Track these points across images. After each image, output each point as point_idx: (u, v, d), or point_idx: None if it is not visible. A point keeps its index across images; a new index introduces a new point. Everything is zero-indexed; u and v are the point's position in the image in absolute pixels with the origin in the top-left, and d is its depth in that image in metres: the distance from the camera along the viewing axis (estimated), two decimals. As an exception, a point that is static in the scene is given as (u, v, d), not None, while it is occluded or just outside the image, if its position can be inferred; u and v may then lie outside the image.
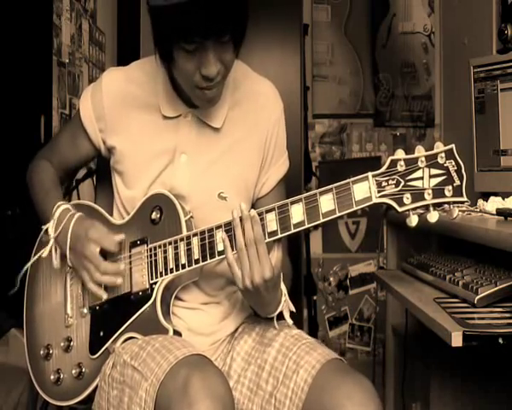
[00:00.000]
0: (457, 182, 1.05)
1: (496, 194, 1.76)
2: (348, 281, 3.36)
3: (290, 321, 1.27)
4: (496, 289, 1.27)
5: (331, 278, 3.36)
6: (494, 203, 1.61)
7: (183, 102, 1.31)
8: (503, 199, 1.62)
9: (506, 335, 1.09)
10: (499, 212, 1.49)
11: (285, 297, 1.24)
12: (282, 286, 1.24)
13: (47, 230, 1.32)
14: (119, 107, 1.33)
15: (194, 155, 1.31)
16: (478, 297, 1.26)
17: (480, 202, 1.67)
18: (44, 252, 1.33)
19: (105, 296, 1.28)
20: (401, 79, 3.35)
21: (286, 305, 1.25)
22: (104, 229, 1.29)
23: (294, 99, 2.90)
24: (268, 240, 1.14)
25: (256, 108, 1.35)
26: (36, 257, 1.38)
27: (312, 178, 3.27)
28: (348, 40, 3.36)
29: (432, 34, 3.34)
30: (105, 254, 1.32)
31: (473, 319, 1.19)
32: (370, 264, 3.33)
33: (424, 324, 1.28)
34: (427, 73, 3.35)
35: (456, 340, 1.10)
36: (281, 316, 1.32)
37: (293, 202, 1.12)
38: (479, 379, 1.70)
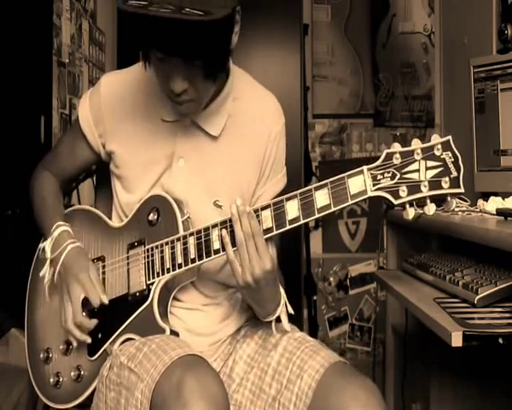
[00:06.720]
0: (454, 173, 1.04)
1: (496, 194, 1.76)
2: (348, 281, 3.36)
3: (288, 327, 1.25)
4: (496, 289, 1.27)
5: (331, 278, 3.36)
6: (494, 203, 1.61)
7: None
8: (503, 199, 1.62)
9: (506, 335, 1.09)
10: (499, 212, 1.49)
11: (284, 299, 1.24)
12: (281, 288, 1.24)
13: (44, 247, 1.32)
14: (118, 111, 1.32)
15: (191, 160, 1.30)
16: (478, 297, 1.27)
17: (480, 202, 1.67)
18: (42, 271, 1.33)
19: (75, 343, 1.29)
20: (401, 78, 3.35)
21: (284, 309, 1.24)
22: (96, 277, 1.29)
23: (294, 99, 2.90)
24: (263, 237, 1.13)
25: (257, 120, 1.33)
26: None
27: (312, 178, 3.27)
28: (348, 40, 3.36)
29: (432, 34, 3.34)
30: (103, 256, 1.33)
31: (473, 319, 1.19)
32: (370, 264, 3.33)
33: (424, 324, 1.28)
34: (427, 73, 3.35)
35: (456, 340, 1.10)
36: (278, 320, 1.32)
37: (288, 199, 1.12)
38: (479, 379, 1.70)
